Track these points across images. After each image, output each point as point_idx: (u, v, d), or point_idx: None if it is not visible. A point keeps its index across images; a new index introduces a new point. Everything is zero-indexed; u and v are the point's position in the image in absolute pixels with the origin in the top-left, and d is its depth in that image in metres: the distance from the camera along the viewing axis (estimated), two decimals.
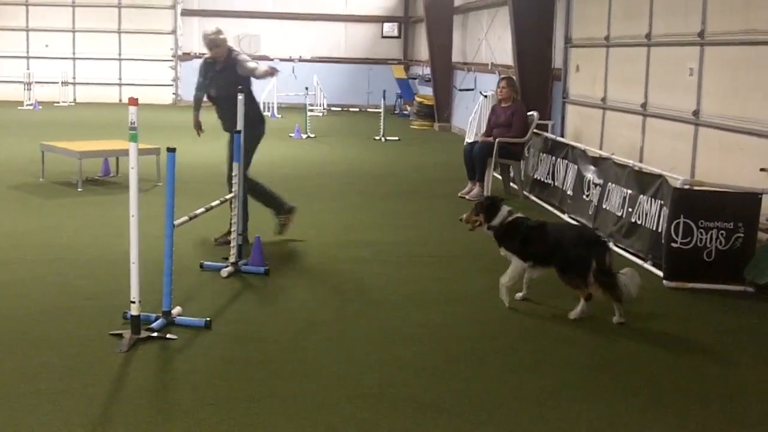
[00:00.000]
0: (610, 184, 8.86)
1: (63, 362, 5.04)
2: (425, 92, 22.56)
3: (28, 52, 25.55)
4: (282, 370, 5.03)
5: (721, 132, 8.79)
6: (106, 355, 5.16)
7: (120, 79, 25.94)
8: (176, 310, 5.76)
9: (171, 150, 5.48)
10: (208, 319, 5.71)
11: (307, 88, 20.10)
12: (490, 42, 17.67)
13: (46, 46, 25.53)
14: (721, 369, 5.35)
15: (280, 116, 22.05)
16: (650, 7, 10.45)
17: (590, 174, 9.50)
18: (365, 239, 8.67)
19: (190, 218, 6.04)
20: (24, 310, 6.02)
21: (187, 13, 25.96)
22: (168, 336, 5.44)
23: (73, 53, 25.73)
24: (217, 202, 6.67)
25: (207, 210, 6.41)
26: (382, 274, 7.38)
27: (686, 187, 7.30)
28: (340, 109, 23.87)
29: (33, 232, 8.49)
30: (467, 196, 11.05)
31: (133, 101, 5.09)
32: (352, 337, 5.67)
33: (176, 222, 5.67)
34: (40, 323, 5.75)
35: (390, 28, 27.03)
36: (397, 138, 17.92)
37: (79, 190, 10.63)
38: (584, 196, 9.57)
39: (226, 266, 7.04)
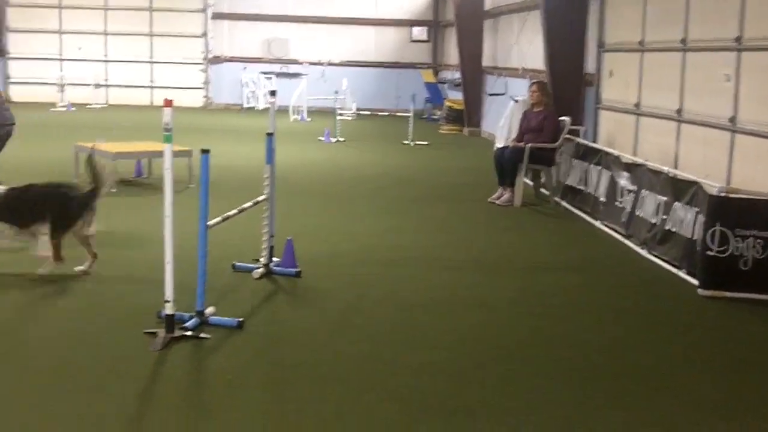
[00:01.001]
0: (643, 190, 8.78)
1: (97, 360, 5.08)
2: (454, 97, 22.53)
3: (61, 54, 25.81)
4: (313, 372, 5.02)
5: (758, 139, 8.68)
6: (140, 353, 5.18)
7: (151, 81, 26.12)
8: (210, 309, 5.77)
9: (205, 151, 5.50)
10: (240, 319, 5.72)
11: (336, 92, 20.12)
12: (521, 46, 17.61)
13: (79, 48, 25.76)
14: (758, 378, 5.28)
15: (309, 120, 22.10)
16: (686, 12, 10.36)
17: (623, 180, 9.42)
18: (395, 243, 8.66)
19: (224, 219, 6.06)
20: (59, 309, 6.07)
21: (217, 16, 26.11)
22: (201, 335, 5.45)
23: (106, 56, 25.94)
24: (250, 203, 6.69)
25: (240, 211, 6.43)
26: (413, 278, 7.36)
27: (722, 194, 7.22)
28: (369, 113, 23.88)
29: None
30: (497, 202, 11.00)
31: (168, 103, 5.11)
32: (382, 341, 5.66)
33: (210, 223, 5.69)
34: (75, 321, 5.79)
35: (419, 32, 27.03)
36: (426, 142, 17.90)
37: (113, 190, 10.67)
38: (617, 203, 9.49)
39: (258, 267, 7.05)
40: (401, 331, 5.87)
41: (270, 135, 7.02)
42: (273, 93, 7.30)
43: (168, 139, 5.20)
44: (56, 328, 5.64)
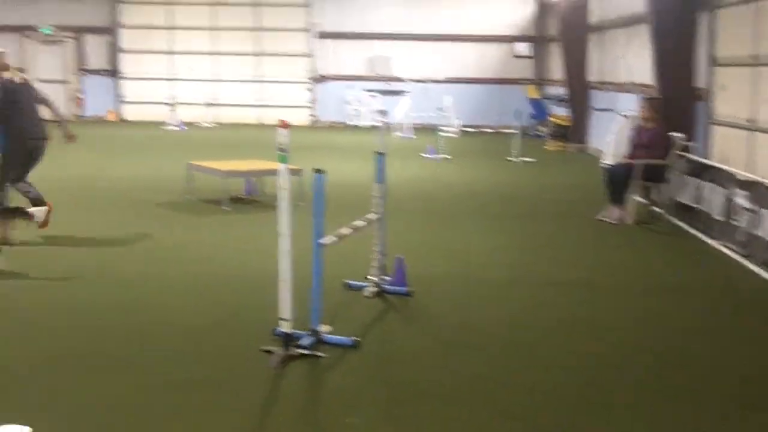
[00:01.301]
0: (763, 210, 8.50)
1: (214, 376, 5.19)
2: (559, 113, 22.29)
3: (172, 74, 26.59)
4: (428, 392, 5.03)
5: None
6: (256, 370, 5.28)
7: (259, 100, 26.67)
8: (325, 328, 5.84)
9: (320, 171, 5.60)
10: (355, 338, 5.77)
11: (440, 109, 20.14)
12: (628, 60, 17.32)
13: (191, 68, 26.50)
14: None
15: (413, 137, 22.19)
16: None
17: (740, 198, 9.15)
18: (504, 261, 8.61)
19: (339, 238, 6.14)
20: (173, 325, 6.23)
21: (322, 35, 26.50)
22: (317, 354, 5.53)
23: (216, 75, 26.62)
24: (364, 222, 6.76)
25: (354, 230, 6.51)
26: (523, 297, 7.30)
27: None
28: (472, 129, 23.84)
29: (180, 248, 8.81)
30: (608, 219, 10.82)
31: (284, 124, 5.23)
32: (495, 360, 5.63)
33: (325, 241, 5.77)
34: (190, 337, 5.94)
35: (522, 48, 26.85)
36: (532, 159, 17.76)
37: (224, 208, 10.96)
38: (733, 221, 9.22)
39: (369, 286, 7.11)
40: (514, 351, 5.83)
41: (380, 154, 7.08)
42: (382, 112, 7.37)
43: (283, 159, 5.31)
44: (170, 344, 5.79)
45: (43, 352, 5.59)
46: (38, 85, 10.23)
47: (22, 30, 26.66)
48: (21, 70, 9.76)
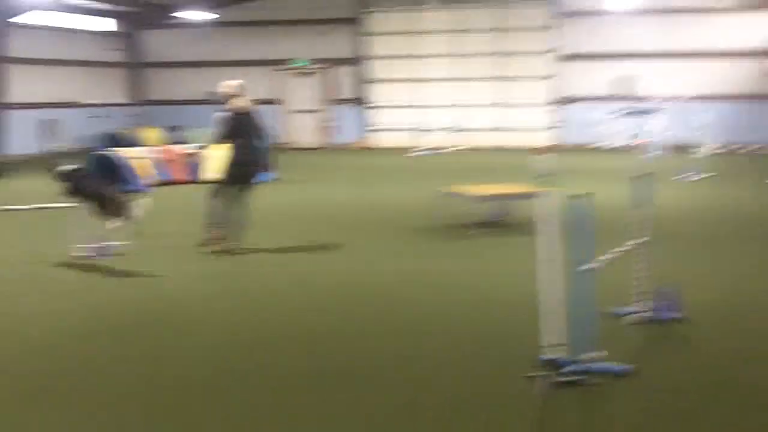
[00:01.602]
0: None
1: (478, 401, 5.21)
2: None
3: (418, 101, 27.23)
4: (703, 425, 4.78)
5: None
6: (521, 396, 5.24)
7: (501, 124, 26.75)
8: (591, 355, 5.71)
9: (582, 197, 5.50)
10: (625, 366, 5.60)
11: (698, 129, 19.27)
12: None
13: (434, 95, 27.04)
14: None
15: (666, 157, 21.34)
16: None
17: None
18: None
19: (602, 264, 6.00)
20: (435, 349, 6.32)
21: (564, 57, 26.19)
22: (584, 382, 5.41)
23: (459, 101, 26.99)
24: (628, 247, 6.59)
25: (616, 256, 6.35)
26: None
27: None
28: (728, 149, 22.66)
29: (433, 273, 8.94)
30: None
31: (543, 150, 5.21)
32: None
33: (588, 267, 5.66)
34: (452, 362, 6.00)
35: None
36: None
37: (472, 232, 11.03)
38: None
39: (635, 312, 6.89)
40: None
41: (639, 178, 6.86)
42: (638, 135, 7.12)
43: (545, 185, 5.27)
44: (434, 368, 5.86)
45: (324, 363, 5.85)
46: (264, 114, 10.94)
47: (275, 63, 28.33)
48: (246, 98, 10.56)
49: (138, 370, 5.94)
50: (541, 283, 5.46)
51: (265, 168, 10.70)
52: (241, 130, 10.24)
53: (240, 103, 10.37)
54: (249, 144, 10.26)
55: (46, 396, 5.47)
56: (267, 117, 10.94)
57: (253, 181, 10.42)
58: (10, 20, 23.06)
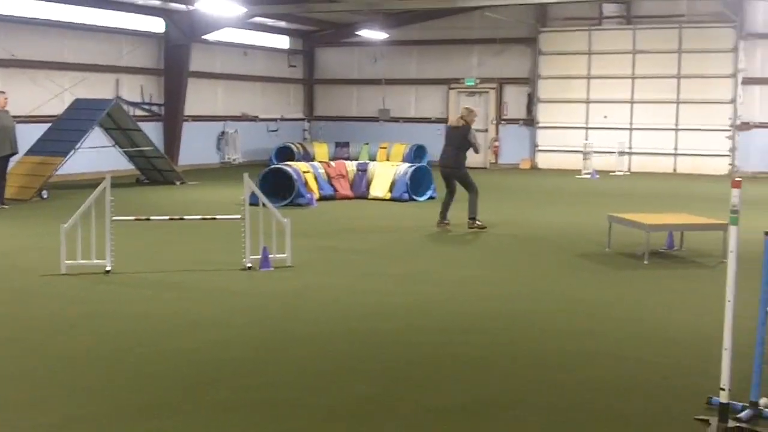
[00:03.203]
0: None
1: None
2: None
3: (587, 122, 26.75)
4: None
5: None
6: None
7: (675, 149, 25.90)
8: (764, 401, 5.43)
9: None
10: None
11: None
12: None
13: (605, 117, 26.49)
14: None
15: None
16: None
17: None
18: None
19: None
20: (598, 382, 6.16)
21: (748, 81, 25.08)
22: (757, 429, 5.15)
23: (631, 123, 26.32)
24: None
25: None
26: None
27: None
28: None
29: (602, 303, 8.72)
30: None
31: (737, 184, 4.99)
32: None
33: None
34: (618, 397, 5.83)
35: None
36: None
37: (646, 262, 10.71)
38: None
39: None
40: None
41: None
42: None
43: (734, 221, 5.05)
44: (597, 403, 5.72)
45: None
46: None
47: (449, 82, 28.55)
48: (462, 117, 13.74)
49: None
50: (724, 322, 5.21)
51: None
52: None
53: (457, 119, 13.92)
54: (444, 152, 13.82)
55: (262, 406, 5.68)
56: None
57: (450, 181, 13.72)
58: (204, 36, 24.27)
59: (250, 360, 6.65)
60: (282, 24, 28.03)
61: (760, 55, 25.05)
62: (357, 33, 27.53)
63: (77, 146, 18.01)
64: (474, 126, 13.83)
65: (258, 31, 27.73)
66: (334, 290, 9.13)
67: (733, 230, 5.09)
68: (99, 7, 22.02)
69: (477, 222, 13.35)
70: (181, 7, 22.91)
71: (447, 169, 13.63)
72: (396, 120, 29.48)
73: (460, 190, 13.56)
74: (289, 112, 29.94)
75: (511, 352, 6.94)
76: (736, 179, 4.95)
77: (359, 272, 10.18)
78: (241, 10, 20.59)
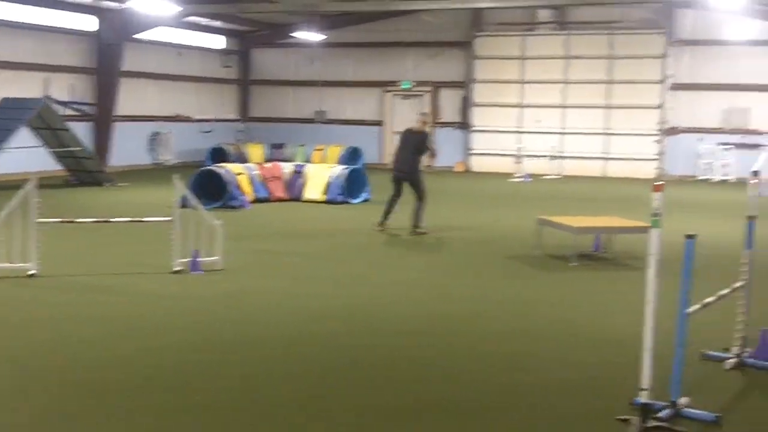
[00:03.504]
0: None
1: None
2: None
3: (520, 126, 27.06)
4: None
5: None
6: None
7: (605, 153, 26.36)
8: (683, 400, 5.57)
9: (690, 237, 5.38)
10: (717, 414, 5.43)
11: None
12: None
13: (538, 121, 26.84)
14: None
15: None
16: None
17: None
18: None
19: (703, 306, 5.85)
20: (525, 381, 6.25)
21: (675, 87, 25.66)
22: (677, 428, 5.27)
23: (563, 128, 26.72)
24: (727, 290, 6.40)
25: (719, 298, 6.17)
26: None
27: None
28: None
29: (531, 304, 8.86)
30: None
31: (658, 188, 5.10)
32: None
33: (690, 310, 5.52)
34: (543, 397, 5.92)
35: None
36: None
37: (574, 264, 10.89)
38: None
39: (730, 358, 6.68)
40: None
41: (752, 218, 6.67)
42: (756, 173, 6.91)
43: (656, 224, 5.16)
44: (525, 403, 5.80)
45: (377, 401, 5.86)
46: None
47: (385, 84, 28.63)
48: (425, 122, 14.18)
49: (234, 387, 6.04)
50: (645, 323, 5.33)
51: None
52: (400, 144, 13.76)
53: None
54: (400, 156, 13.57)
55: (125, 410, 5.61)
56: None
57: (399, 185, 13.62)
58: (134, 36, 23.91)
59: (180, 365, 6.58)
60: (217, 24, 27.82)
61: (688, 61, 25.66)
62: (293, 34, 27.42)
63: (3, 146, 17.62)
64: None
65: (192, 30, 27.46)
66: (267, 294, 9.10)
67: (654, 233, 5.20)
68: (30, 4, 21.57)
69: (419, 230, 13.32)
70: (115, 5, 22.58)
71: (402, 174, 13.47)
72: (332, 122, 29.46)
73: (406, 194, 13.57)
74: (223, 112, 29.72)
75: (444, 353, 6.99)
76: (657, 183, 5.06)
77: (293, 275, 10.16)
78: (175, 9, 20.34)
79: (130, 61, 24.35)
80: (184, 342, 7.20)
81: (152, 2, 19.70)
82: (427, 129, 13.75)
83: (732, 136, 25.20)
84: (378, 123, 28.92)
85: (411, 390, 6.03)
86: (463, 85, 27.92)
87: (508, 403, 5.79)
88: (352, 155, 25.08)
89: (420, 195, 13.42)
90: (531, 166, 25.23)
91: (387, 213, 13.62)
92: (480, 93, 27.60)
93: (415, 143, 13.48)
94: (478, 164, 27.68)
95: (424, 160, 13.87)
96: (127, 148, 24.81)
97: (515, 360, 6.85)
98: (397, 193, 13.63)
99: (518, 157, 25.15)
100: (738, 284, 6.65)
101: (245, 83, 30.63)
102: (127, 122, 24.86)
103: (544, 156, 25.88)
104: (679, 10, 25.33)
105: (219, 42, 29.38)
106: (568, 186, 22.95)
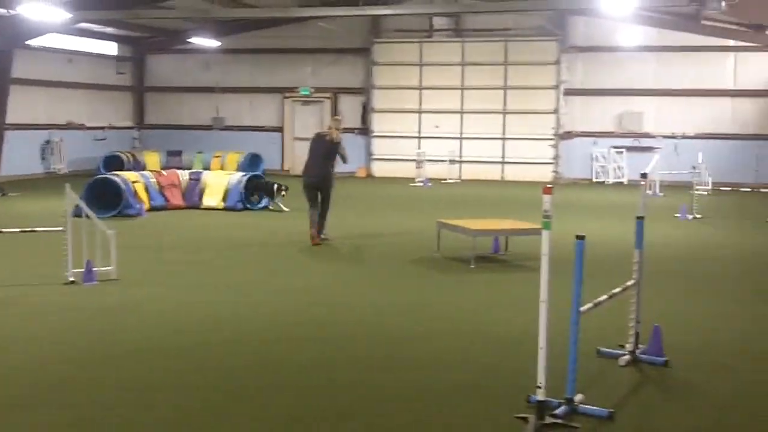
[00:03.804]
0: None
1: None
2: None
3: (420, 132, 27.31)
4: None
5: None
6: None
7: (503, 157, 26.82)
8: (578, 397, 5.68)
9: (580, 237, 5.49)
10: (611, 410, 5.56)
11: (694, 167, 19.32)
12: None
13: (436, 126, 27.13)
14: None
15: (662, 195, 21.41)
16: None
17: None
18: None
19: (595, 305, 5.98)
20: (423, 385, 6.27)
21: (569, 92, 26.31)
22: (572, 424, 5.37)
23: (461, 133, 27.07)
24: (619, 289, 6.56)
25: (610, 297, 6.32)
26: None
27: None
28: (729, 188, 22.69)
29: (429, 306, 8.92)
30: None
31: (548, 190, 5.19)
32: None
33: (583, 309, 5.64)
34: (440, 398, 5.95)
35: None
36: None
37: (472, 266, 11.02)
38: None
39: (624, 354, 6.86)
40: None
41: (640, 219, 6.86)
42: (644, 175, 7.13)
43: (547, 226, 5.25)
44: (421, 407, 5.82)
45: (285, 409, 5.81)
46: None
47: (284, 91, 28.49)
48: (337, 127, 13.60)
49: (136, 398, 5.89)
50: (539, 322, 5.42)
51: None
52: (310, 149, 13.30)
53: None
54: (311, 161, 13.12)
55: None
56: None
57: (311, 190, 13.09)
58: (27, 42, 23.16)
59: (68, 377, 6.38)
60: (110, 30, 27.21)
61: (581, 67, 26.33)
62: (189, 40, 27.02)
63: None
64: (309, 135, 13.81)
65: (84, 37, 26.79)
66: (162, 303, 8.92)
67: (545, 234, 5.29)
68: None
69: (323, 237, 13.02)
70: (3, 11, 21.81)
71: (316, 180, 12.96)
72: (231, 128, 29.15)
73: None
74: (118, 120, 29.07)
75: (341, 359, 6.96)
76: (547, 186, 5.16)
77: (188, 284, 9.98)
78: (65, 16, 19.79)
79: (20, 68, 23.55)
80: (72, 353, 6.98)
81: (42, 8, 19.13)
82: (337, 134, 13.22)
83: (625, 139, 25.98)
84: (278, 129, 28.74)
85: (298, 397, 5.98)
86: (363, 91, 28.01)
87: (402, 407, 5.79)
88: (252, 162, 24.89)
89: (327, 203, 13.06)
90: (431, 171, 25.46)
91: (320, 223, 13.04)
92: (379, 99, 27.74)
93: (326, 149, 13.04)
94: (379, 169, 27.79)
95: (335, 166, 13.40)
96: (18, 156, 24.00)
97: (412, 362, 6.87)
98: (315, 203, 13.03)
99: (418, 162, 25.35)
100: (630, 282, 6.83)
101: (140, 90, 30.05)
102: (18, 130, 24.06)
103: (444, 161, 26.16)
104: (572, 17, 25.97)
105: (112, 48, 28.76)
106: (467, 190, 23.25)
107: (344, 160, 13.46)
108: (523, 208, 16.96)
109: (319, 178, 12.95)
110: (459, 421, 5.51)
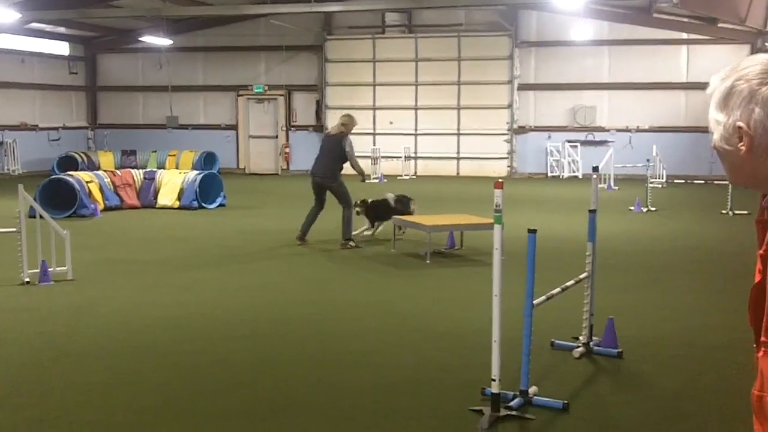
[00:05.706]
0: None
1: None
2: None
3: (374, 128, 27.33)
4: None
5: None
6: (465, 430, 5.25)
7: (458, 153, 26.94)
8: (533, 389, 5.75)
9: (532, 231, 5.56)
10: (565, 401, 5.64)
11: (648, 160, 19.58)
12: None
13: (391, 123, 27.18)
14: None
15: (617, 188, 21.67)
16: None
17: None
18: (723, 323, 8.15)
19: (548, 298, 6.05)
20: (378, 380, 6.30)
21: (523, 87, 26.50)
22: (526, 416, 5.44)
23: (415, 129, 27.15)
24: (572, 282, 6.65)
25: (563, 290, 6.40)
26: (745, 362, 6.88)
27: None
28: (681, 180, 23.06)
29: (385, 302, 8.95)
30: None
31: (499, 185, 5.24)
32: None
33: (535, 302, 5.71)
34: (396, 392, 5.99)
35: None
36: (747, 212, 16.86)
37: (428, 262, 11.08)
38: None
39: (578, 346, 6.95)
40: (739, 422, 5.50)
41: (593, 212, 6.96)
42: (595, 169, 7.23)
43: (498, 221, 5.31)
44: (378, 402, 5.86)
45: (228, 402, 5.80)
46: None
47: (238, 89, 28.35)
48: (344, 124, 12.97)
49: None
50: (492, 316, 5.48)
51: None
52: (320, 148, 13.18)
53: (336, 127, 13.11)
54: (318, 160, 12.96)
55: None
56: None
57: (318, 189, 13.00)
58: None
59: (23, 378, 6.31)
60: (61, 30, 26.87)
61: (534, 62, 26.53)
62: (140, 39, 26.77)
63: None
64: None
65: (36, 37, 26.43)
66: (116, 303, 8.85)
67: (497, 228, 5.34)
68: None
69: (350, 243, 12.52)
70: None
71: (319, 179, 12.85)
72: (185, 127, 28.94)
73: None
74: (71, 120, 28.73)
75: (295, 355, 6.97)
76: (498, 181, 5.21)
77: (143, 284, 9.91)
78: (15, 16, 19.53)
79: None
80: (25, 354, 6.91)
81: None
82: (348, 132, 12.80)
83: (579, 133, 26.24)
84: (233, 127, 28.61)
85: (252, 393, 5.98)
86: (316, 88, 27.97)
87: (355, 402, 5.81)
88: (207, 160, 24.75)
89: (344, 203, 12.75)
90: (386, 167, 25.50)
91: (307, 225, 12.92)
92: (333, 96, 27.72)
93: (333, 148, 12.75)
94: None
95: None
96: None
97: (365, 358, 6.89)
98: (319, 203, 12.93)
99: (373, 159, 25.37)
100: (583, 275, 6.92)
101: (93, 90, 29.71)
102: None
103: (399, 157, 26.22)
104: (524, 12, 26.16)
105: (63, 48, 28.40)
106: (423, 186, 23.29)
107: (351, 162, 12.91)
108: (479, 204, 17.06)
109: (323, 176, 12.80)
110: (413, 415, 5.54)
